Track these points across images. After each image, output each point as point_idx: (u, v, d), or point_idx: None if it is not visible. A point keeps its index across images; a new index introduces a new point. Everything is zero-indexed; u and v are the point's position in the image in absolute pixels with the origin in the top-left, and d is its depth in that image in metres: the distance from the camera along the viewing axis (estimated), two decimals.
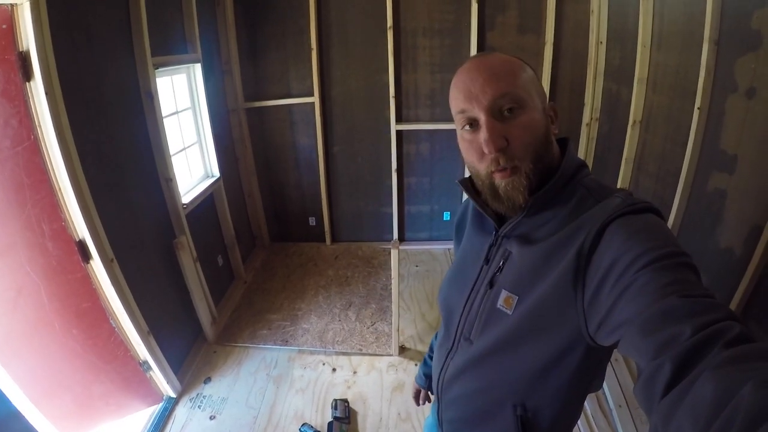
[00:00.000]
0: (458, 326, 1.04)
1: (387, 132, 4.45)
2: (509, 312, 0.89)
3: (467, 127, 0.88)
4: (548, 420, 0.94)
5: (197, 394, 2.97)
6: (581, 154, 4.18)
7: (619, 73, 3.56)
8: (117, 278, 2.41)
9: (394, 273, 2.95)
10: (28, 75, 1.94)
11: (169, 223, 3.06)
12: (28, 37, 1.90)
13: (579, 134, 4.22)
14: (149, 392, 2.79)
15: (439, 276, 4.29)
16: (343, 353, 3.33)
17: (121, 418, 2.65)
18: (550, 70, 4.08)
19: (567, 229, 0.83)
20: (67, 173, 2.09)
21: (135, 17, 2.63)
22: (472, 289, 1.01)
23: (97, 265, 2.32)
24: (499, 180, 0.87)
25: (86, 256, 2.29)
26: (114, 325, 2.48)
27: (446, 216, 4.84)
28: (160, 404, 2.86)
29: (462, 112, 0.87)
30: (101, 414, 2.51)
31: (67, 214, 2.19)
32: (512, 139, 0.83)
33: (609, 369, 2.79)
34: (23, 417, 1.96)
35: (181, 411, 2.85)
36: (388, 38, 4.06)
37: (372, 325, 3.60)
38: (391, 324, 3.40)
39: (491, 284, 0.96)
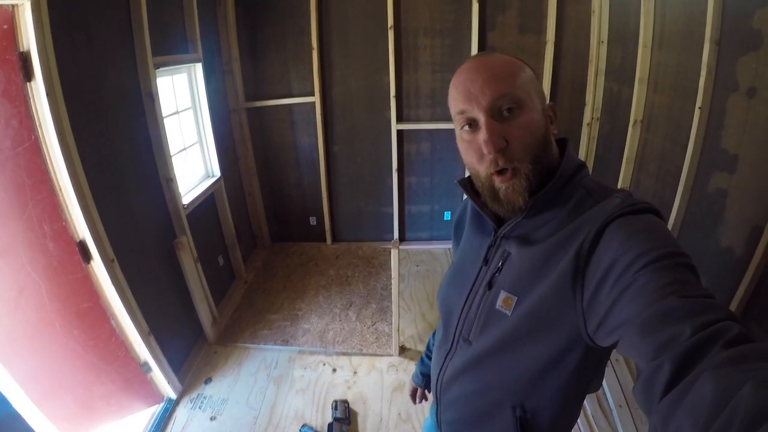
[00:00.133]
0: (457, 327, 1.04)
1: (387, 131, 4.44)
2: (508, 313, 0.89)
3: (466, 128, 0.88)
4: (547, 421, 0.94)
5: (198, 395, 2.97)
6: (582, 154, 4.19)
7: (620, 73, 3.56)
8: (117, 278, 2.41)
9: (394, 273, 2.95)
10: (29, 75, 1.94)
11: (169, 224, 3.06)
12: (28, 38, 1.90)
13: (580, 134, 4.22)
14: (150, 393, 2.79)
15: (440, 276, 4.29)
16: (344, 353, 3.33)
17: (122, 418, 2.65)
18: (551, 70, 4.08)
19: (566, 229, 0.83)
20: (67, 173, 2.09)
21: (136, 17, 2.63)
22: (471, 290, 1.01)
23: (97, 266, 2.32)
24: (500, 183, 0.87)
25: (87, 256, 2.29)
26: (115, 326, 2.48)
27: (447, 216, 4.84)
28: (161, 405, 2.86)
29: (461, 112, 0.87)
30: (102, 415, 2.51)
31: (67, 215, 2.19)
32: (511, 139, 0.83)
33: (609, 369, 2.79)
34: (23, 419, 1.96)
35: (181, 412, 2.85)
36: (389, 38, 4.06)
37: (372, 325, 3.60)
38: (391, 324, 3.40)
39: (490, 285, 0.96)
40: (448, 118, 0.92)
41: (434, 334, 1.40)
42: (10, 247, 1.94)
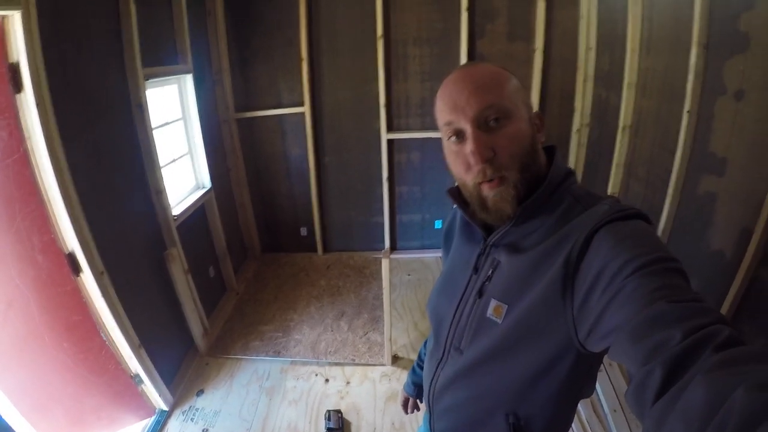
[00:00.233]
0: (448, 336, 1.04)
1: (377, 141, 4.45)
2: (499, 321, 0.90)
3: (453, 139, 0.88)
4: (540, 427, 0.94)
5: (190, 407, 2.94)
6: (572, 160, 4.22)
7: (608, 79, 3.59)
8: (107, 291, 2.39)
9: (385, 282, 2.95)
10: (18, 87, 1.93)
11: (159, 235, 3.04)
12: (18, 49, 1.89)
13: (569, 140, 4.25)
14: (141, 405, 2.76)
15: (432, 284, 4.26)
16: (336, 364, 3.32)
17: (114, 431, 2.62)
18: (540, 77, 4.11)
19: (555, 237, 0.84)
20: (57, 186, 2.07)
21: (126, 28, 2.62)
22: (461, 299, 1.01)
23: (87, 278, 2.30)
24: (488, 191, 0.88)
25: (76, 268, 2.27)
26: (105, 338, 2.46)
27: (438, 224, 4.84)
28: (153, 417, 2.83)
29: (448, 123, 0.88)
30: (93, 428, 2.48)
31: (56, 227, 2.17)
32: (499, 149, 0.84)
33: (603, 373, 2.80)
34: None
35: (173, 424, 2.82)
36: (378, 48, 4.08)
37: (364, 335, 3.59)
38: (383, 333, 3.39)
39: (480, 293, 0.96)
40: (437, 127, 0.93)
41: (426, 343, 1.40)
42: None
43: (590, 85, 3.92)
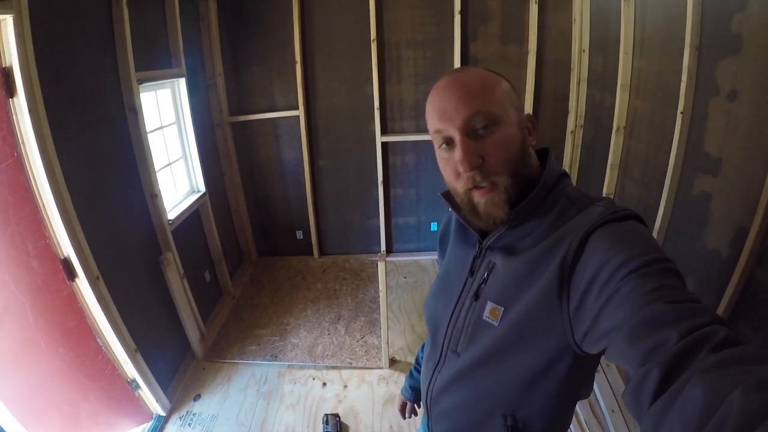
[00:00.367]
0: (445, 339, 1.03)
1: (372, 144, 4.46)
2: (495, 323, 0.89)
3: (444, 146, 0.89)
4: (539, 428, 0.94)
5: (187, 412, 2.93)
6: (567, 162, 4.24)
7: (602, 81, 3.61)
8: (103, 296, 2.38)
9: (382, 285, 2.95)
10: (11, 91, 1.92)
11: (155, 240, 3.03)
12: (10, 53, 1.89)
13: (564, 142, 4.27)
14: (138, 411, 2.75)
15: (428, 287, 4.26)
16: (333, 367, 3.31)
17: None
18: (533, 79, 4.13)
19: (550, 239, 0.83)
20: (51, 191, 2.07)
21: (118, 32, 2.62)
22: (458, 302, 1.01)
23: (82, 283, 2.29)
24: (478, 198, 0.88)
25: (71, 274, 2.26)
26: (101, 344, 2.45)
27: (433, 226, 4.85)
28: (150, 423, 2.81)
29: (437, 131, 0.89)
30: None
31: (51, 232, 2.16)
32: (488, 156, 0.84)
33: (600, 374, 2.80)
34: None
35: (171, 429, 2.81)
36: (372, 50, 4.08)
37: (361, 338, 3.58)
38: (380, 336, 3.38)
39: (477, 296, 0.96)
40: None
41: (423, 347, 1.40)
42: None
43: (584, 86, 3.94)
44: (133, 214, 2.83)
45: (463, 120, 0.83)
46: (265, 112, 4.38)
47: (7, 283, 1.95)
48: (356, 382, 3.17)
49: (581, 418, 2.61)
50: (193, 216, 3.63)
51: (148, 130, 2.89)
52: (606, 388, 2.72)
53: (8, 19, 1.83)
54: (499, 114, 0.84)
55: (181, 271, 3.20)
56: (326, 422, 2.78)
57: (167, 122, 3.47)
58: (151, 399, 2.76)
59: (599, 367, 2.72)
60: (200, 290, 3.65)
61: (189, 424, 2.83)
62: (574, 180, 3.98)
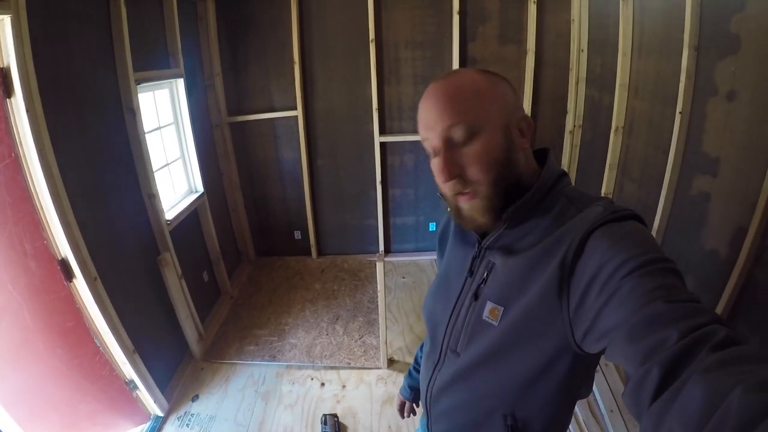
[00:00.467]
0: (444, 339, 1.03)
1: (371, 144, 4.45)
2: (495, 323, 0.89)
3: (431, 153, 0.90)
4: (538, 428, 0.94)
5: (185, 413, 2.93)
6: (566, 161, 4.25)
7: (600, 81, 3.62)
8: (101, 297, 2.37)
9: (380, 285, 2.95)
10: (8, 91, 1.92)
11: (152, 240, 3.03)
12: (8, 53, 1.88)
13: (563, 142, 4.28)
14: (136, 411, 2.74)
15: (426, 287, 4.28)
16: (332, 367, 3.31)
17: None
18: (532, 79, 4.13)
19: (549, 239, 0.83)
20: (48, 191, 2.06)
21: (117, 32, 2.62)
22: (457, 301, 1.01)
23: (80, 284, 2.29)
24: (462, 203, 0.89)
25: (69, 274, 2.25)
26: (99, 344, 2.44)
27: (432, 227, 4.85)
28: (148, 423, 2.81)
29: (425, 140, 0.90)
30: None
31: (49, 233, 2.16)
32: (467, 165, 0.85)
33: (599, 374, 2.80)
34: None
35: (169, 430, 2.80)
36: (371, 51, 4.08)
37: (360, 339, 3.58)
38: (378, 337, 3.38)
39: (476, 296, 0.95)
40: None
41: (422, 346, 1.39)
42: None
43: (582, 86, 3.95)
44: (131, 214, 2.83)
45: (442, 130, 0.84)
46: (263, 113, 4.38)
47: (5, 284, 1.94)
48: (354, 382, 3.17)
49: (580, 418, 2.61)
50: (191, 216, 3.63)
51: (146, 131, 2.89)
52: (605, 388, 2.72)
53: (6, 19, 1.83)
54: (479, 124, 0.84)
55: (179, 271, 3.20)
56: (324, 422, 2.78)
57: (165, 122, 3.46)
58: (149, 399, 2.76)
59: (598, 368, 2.72)
60: (198, 290, 3.64)
61: (187, 425, 2.82)
62: (573, 180, 3.98)
